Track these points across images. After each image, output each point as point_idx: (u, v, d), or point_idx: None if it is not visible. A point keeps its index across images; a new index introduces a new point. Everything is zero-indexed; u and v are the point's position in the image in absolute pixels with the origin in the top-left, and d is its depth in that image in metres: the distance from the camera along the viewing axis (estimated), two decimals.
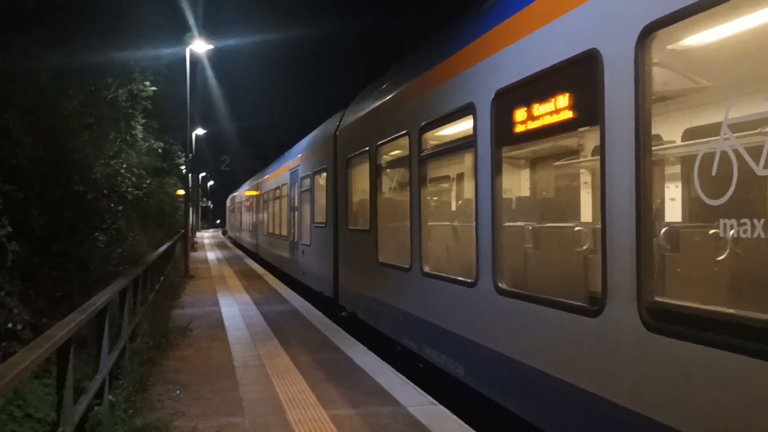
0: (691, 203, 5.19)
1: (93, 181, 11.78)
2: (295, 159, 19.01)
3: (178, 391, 7.20)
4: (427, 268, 7.80)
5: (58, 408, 4.53)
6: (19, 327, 7.41)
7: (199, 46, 22.93)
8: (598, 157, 4.46)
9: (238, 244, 45.50)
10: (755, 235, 3.38)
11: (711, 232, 3.98)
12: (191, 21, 24.40)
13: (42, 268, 9.47)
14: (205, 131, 53.89)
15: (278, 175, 23.10)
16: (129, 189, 15.31)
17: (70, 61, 12.08)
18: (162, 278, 15.31)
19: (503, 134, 5.89)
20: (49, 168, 10.20)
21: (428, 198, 8.51)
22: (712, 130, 3.75)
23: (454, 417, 6.20)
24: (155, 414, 6.23)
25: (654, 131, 4.61)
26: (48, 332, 4.51)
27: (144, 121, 19.50)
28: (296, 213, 18.38)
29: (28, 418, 4.80)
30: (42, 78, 11.12)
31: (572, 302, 4.86)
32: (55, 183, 10.42)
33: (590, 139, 5.99)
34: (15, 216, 8.77)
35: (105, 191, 12.51)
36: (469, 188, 7.38)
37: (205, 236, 67.35)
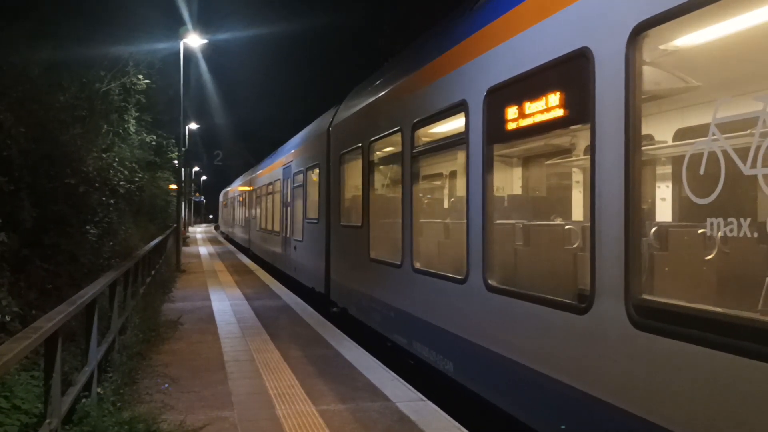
0: (681, 203, 5.21)
1: (85, 174, 11.72)
2: (289, 154, 18.98)
3: (167, 385, 7.19)
4: (418, 265, 7.81)
5: (45, 399, 4.52)
6: (8, 318, 7.37)
7: (194, 40, 22.81)
8: (589, 155, 4.48)
9: (230, 240, 45.40)
10: (741, 234, 3.40)
11: (700, 231, 4.00)
12: (185, 14, 24.31)
13: (32, 260, 9.42)
14: (198, 126, 53.72)
15: (271, 170, 23.05)
16: (121, 182, 15.22)
17: (60, 53, 12.01)
18: (153, 272, 15.27)
19: (495, 132, 5.90)
20: (40, 160, 10.15)
21: (420, 195, 8.51)
22: (704, 130, 3.76)
23: (443, 413, 6.23)
24: (143, 407, 6.21)
25: (646, 131, 4.62)
26: (35, 323, 4.50)
27: (137, 114, 19.42)
28: (289, 209, 18.35)
29: (15, 409, 4.78)
30: (33, 70, 11.05)
31: (561, 299, 4.88)
32: (46, 175, 10.37)
33: (581, 137, 6.01)
34: (4, 207, 8.74)
35: (97, 184, 12.43)
36: (460, 185, 7.39)
37: (198, 231, 67.18)
